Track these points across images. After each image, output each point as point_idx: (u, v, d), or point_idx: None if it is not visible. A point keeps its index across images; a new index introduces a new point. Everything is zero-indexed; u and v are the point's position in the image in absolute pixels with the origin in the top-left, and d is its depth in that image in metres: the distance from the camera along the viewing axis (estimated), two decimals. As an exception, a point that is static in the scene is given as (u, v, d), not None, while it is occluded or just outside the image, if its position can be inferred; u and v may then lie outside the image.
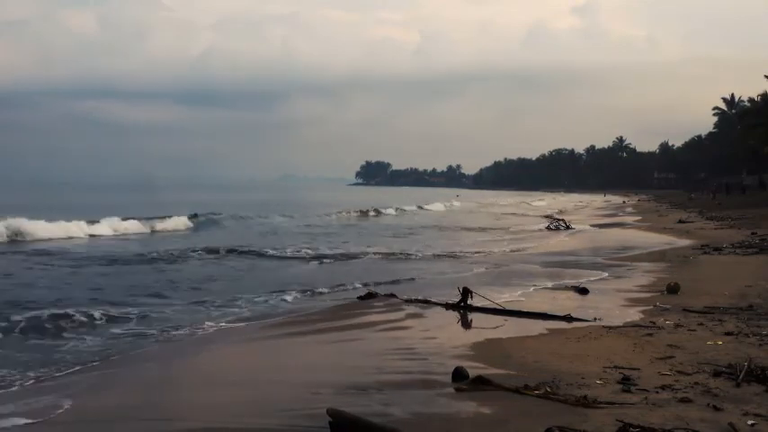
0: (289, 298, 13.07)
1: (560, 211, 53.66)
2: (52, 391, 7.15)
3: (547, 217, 43.84)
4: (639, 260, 18.57)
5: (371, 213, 50.48)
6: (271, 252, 21.99)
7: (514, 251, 22.93)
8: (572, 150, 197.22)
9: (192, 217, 36.36)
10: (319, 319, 10.82)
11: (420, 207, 55.88)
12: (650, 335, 8.75)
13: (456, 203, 67.33)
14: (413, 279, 15.96)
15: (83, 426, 6.18)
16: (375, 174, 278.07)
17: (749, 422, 5.45)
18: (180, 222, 34.05)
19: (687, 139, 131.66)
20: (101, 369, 8.17)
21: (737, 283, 13.18)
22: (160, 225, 32.28)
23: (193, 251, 21.78)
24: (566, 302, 11.58)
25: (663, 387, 6.40)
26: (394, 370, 7.38)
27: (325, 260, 20.32)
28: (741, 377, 6.56)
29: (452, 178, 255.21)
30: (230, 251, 21.95)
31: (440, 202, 67.73)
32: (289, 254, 21.77)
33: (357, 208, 52.78)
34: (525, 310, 10.70)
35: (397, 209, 55.56)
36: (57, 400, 6.69)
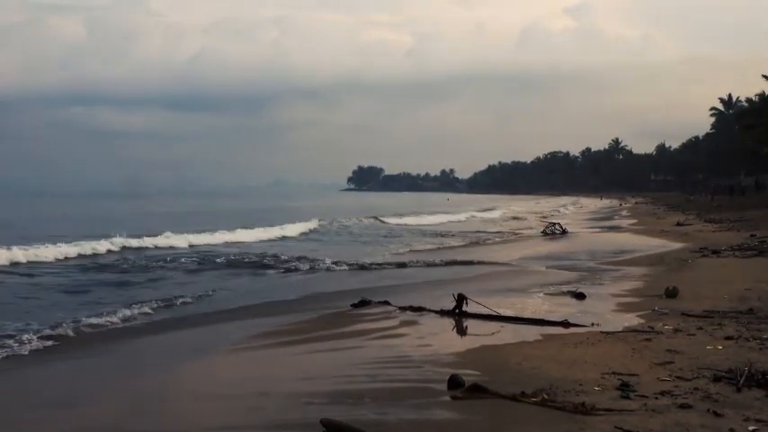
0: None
1: (553, 214, 53.57)
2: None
3: (542, 220, 43.77)
4: (637, 264, 18.51)
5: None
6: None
7: (511, 255, 22.84)
8: (567, 153, 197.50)
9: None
10: (312, 327, 10.69)
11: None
12: (649, 340, 8.65)
13: (500, 212, 65.02)
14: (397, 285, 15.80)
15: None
16: (368, 179, 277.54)
17: (750, 428, 5.39)
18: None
19: (684, 141, 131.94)
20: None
21: (737, 286, 13.08)
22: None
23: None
24: (562, 308, 11.49)
25: (662, 393, 6.31)
26: (389, 378, 7.29)
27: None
28: (741, 382, 6.48)
29: (446, 182, 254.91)
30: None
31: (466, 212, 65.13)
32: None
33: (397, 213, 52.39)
34: (521, 316, 10.60)
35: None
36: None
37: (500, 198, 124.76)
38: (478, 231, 37.80)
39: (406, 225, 44.65)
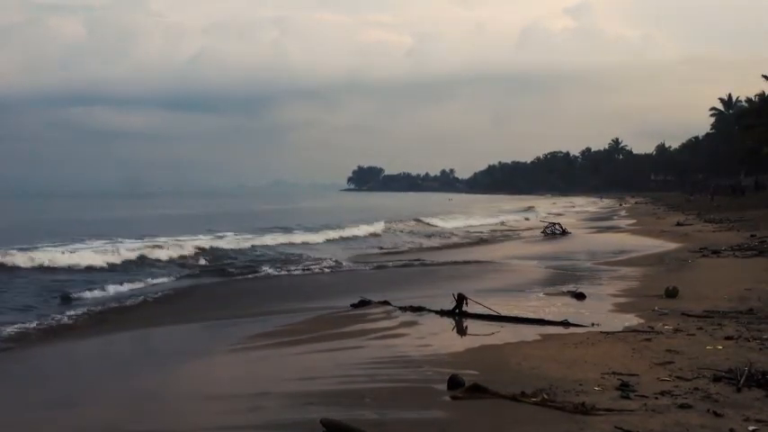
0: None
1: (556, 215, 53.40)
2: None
3: (542, 221, 43.69)
4: (637, 264, 18.50)
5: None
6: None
7: (510, 255, 22.84)
8: (567, 153, 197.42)
9: None
10: (311, 328, 10.65)
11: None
12: (649, 340, 8.64)
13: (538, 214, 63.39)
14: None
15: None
16: (368, 179, 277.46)
17: (750, 428, 5.38)
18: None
19: (684, 141, 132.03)
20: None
21: (737, 286, 13.08)
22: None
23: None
24: (562, 308, 11.47)
25: (662, 393, 6.30)
26: (389, 378, 7.27)
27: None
28: (742, 382, 6.47)
29: (446, 183, 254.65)
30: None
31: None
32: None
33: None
34: (521, 316, 10.57)
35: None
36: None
37: (503, 198, 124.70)
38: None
39: (458, 228, 42.66)
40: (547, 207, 73.80)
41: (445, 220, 47.23)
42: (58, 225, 37.25)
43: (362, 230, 36.00)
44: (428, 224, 44.62)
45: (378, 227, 37.84)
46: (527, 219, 51.51)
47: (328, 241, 31.10)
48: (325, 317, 11.63)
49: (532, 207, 69.31)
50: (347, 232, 34.65)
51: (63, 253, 21.39)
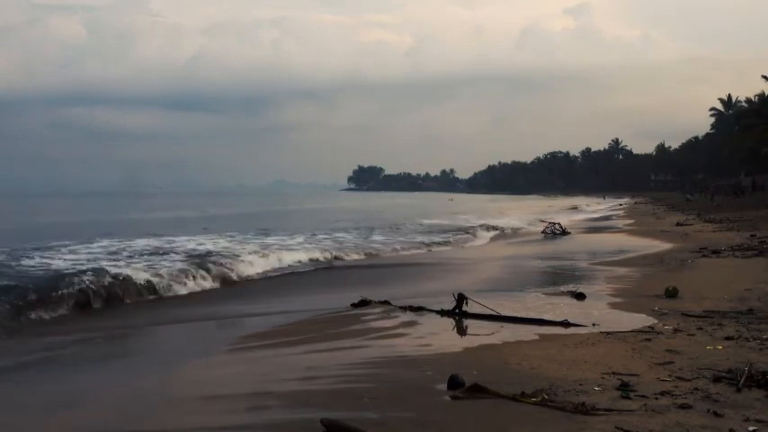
0: None
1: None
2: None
3: (542, 221, 43.60)
4: (637, 264, 18.48)
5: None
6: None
7: (509, 255, 22.83)
8: (567, 153, 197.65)
9: None
10: (310, 328, 10.64)
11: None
12: (649, 340, 8.64)
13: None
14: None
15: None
16: (368, 179, 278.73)
17: (750, 428, 5.39)
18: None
19: (684, 141, 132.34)
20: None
21: (737, 286, 13.08)
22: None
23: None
24: (562, 308, 11.45)
25: (662, 393, 6.31)
26: (389, 378, 7.27)
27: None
28: (742, 382, 6.48)
29: (446, 182, 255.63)
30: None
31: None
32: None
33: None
34: (521, 316, 10.56)
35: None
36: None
37: (504, 198, 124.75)
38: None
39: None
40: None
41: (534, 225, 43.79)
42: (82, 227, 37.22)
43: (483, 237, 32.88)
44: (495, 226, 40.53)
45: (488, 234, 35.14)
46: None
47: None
48: (325, 316, 11.62)
49: (576, 207, 69.11)
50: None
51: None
